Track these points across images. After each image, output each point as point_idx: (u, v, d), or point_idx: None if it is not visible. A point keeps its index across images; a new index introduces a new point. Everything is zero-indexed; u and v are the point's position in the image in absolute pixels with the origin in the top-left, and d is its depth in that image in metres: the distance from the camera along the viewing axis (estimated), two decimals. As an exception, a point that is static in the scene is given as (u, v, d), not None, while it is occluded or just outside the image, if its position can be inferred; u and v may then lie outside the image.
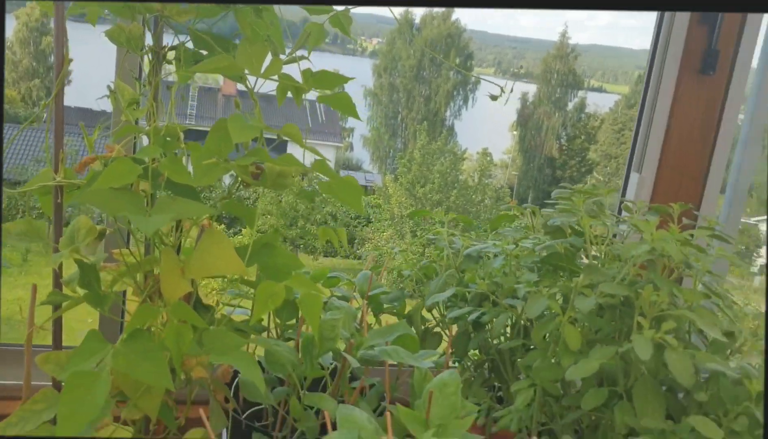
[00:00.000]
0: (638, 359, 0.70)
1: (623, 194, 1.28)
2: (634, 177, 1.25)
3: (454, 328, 1.01)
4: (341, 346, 0.79)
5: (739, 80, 1.23)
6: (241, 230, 7.32)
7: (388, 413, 0.65)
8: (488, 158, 11.96)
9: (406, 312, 1.04)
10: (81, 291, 0.72)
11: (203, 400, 0.81)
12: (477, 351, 1.01)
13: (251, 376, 0.65)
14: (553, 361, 0.78)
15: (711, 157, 1.26)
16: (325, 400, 0.69)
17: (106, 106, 0.92)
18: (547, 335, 0.80)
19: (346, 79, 0.85)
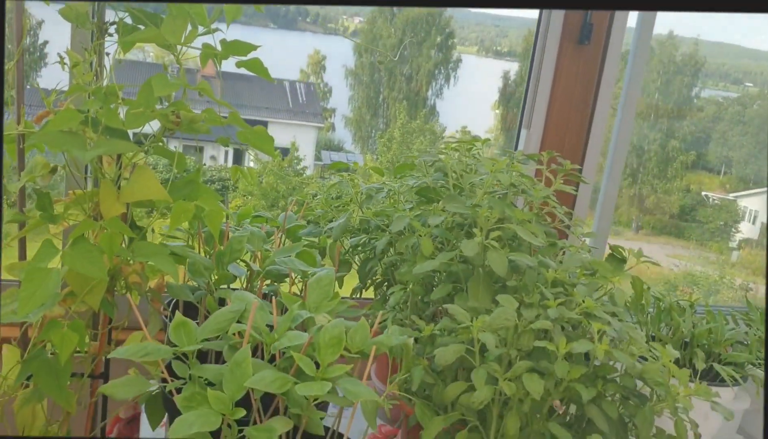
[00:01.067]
0: (474, 261, 0.91)
1: (515, 148, 1.49)
2: (524, 133, 1.46)
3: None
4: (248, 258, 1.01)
5: (613, 49, 1.44)
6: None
7: (274, 298, 0.86)
8: (469, 137, 12.14)
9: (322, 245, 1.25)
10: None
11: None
12: (379, 274, 1.22)
13: (171, 270, 0.86)
14: (415, 270, 0.99)
15: (592, 116, 1.48)
16: (229, 292, 0.90)
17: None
18: (411, 246, 1.01)
19: (254, 47, 1.05)
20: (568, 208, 1.31)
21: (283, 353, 0.78)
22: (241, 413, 0.70)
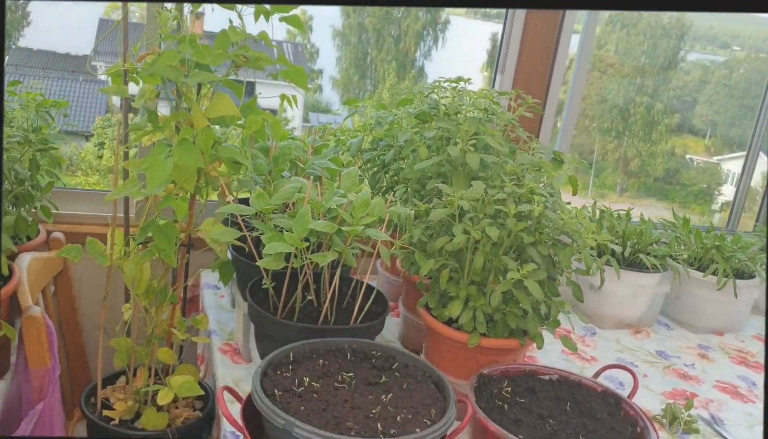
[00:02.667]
0: (456, 161, 1.31)
1: (492, 86, 1.87)
2: (498, 77, 1.85)
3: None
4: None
5: (570, 13, 1.82)
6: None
7: (319, 182, 1.25)
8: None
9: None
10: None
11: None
12: (385, 183, 1.62)
13: (246, 162, 1.25)
14: (415, 167, 1.38)
15: (553, 63, 1.86)
16: (287, 179, 1.29)
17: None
18: (411, 152, 1.40)
19: (295, 6, 1.42)
20: (535, 137, 1.71)
21: (327, 215, 1.18)
22: (305, 244, 1.10)
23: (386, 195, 1.60)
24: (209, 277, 1.77)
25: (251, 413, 1.00)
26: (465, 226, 1.18)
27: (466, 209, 1.19)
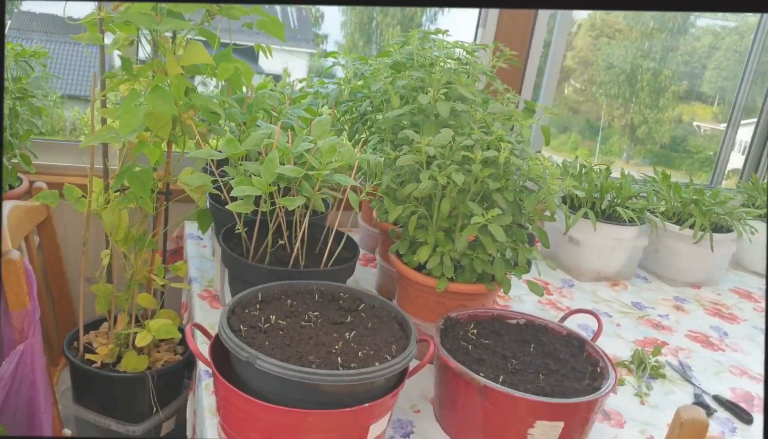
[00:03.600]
0: (427, 109, 1.32)
1: (474, 41, 1.88)
2: (480, 31, 1.85)
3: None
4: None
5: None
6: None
7: (290, 129, 1.27)
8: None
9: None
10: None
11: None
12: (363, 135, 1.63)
13: (218, 111, 1.27)
14: (385, 115, 1.39)
15: (535, 19, 1.86)
16: (259, 127, 1.31)
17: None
18: (385, 101, 1.41)
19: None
20: (515, 92, 1.72)
21: (296, 161, 1.20)
22: (273, 188, 1.12)
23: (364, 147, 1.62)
24: (193, 228, 1.79)
25: (220, 350, 1.03)
26: (432, 172, 1.20)
27: (435, 156, 1.21)
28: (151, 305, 1.40)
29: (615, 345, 1.50)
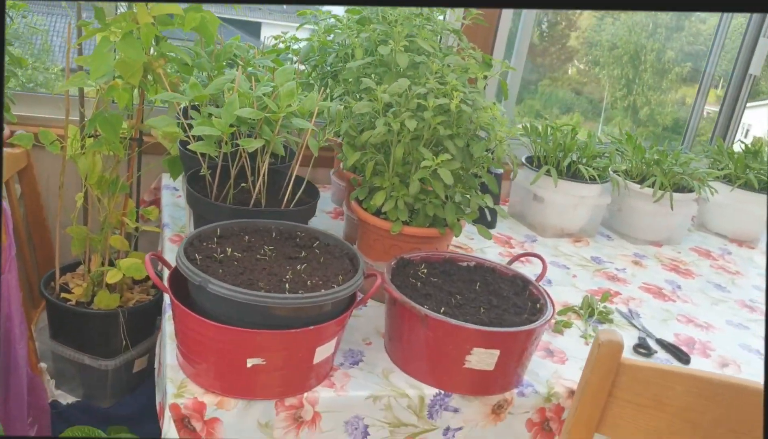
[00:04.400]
0: (388, 60, 1.38)
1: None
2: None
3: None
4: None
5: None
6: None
7: (253, 77, 1.33)
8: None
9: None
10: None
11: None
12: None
13: (187, 60, 1.32)
14: (349, 65, 1.45)
15: None
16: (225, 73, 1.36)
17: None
18: (350, 53, 1.47)
19: None
20: (487, 55, 1.78)
21: (259, 107, 1.26)
22: (232, 129, 1.19)
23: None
24: (170, 179, 1.86)
25: (179, 279, 1.10)
26: (387, 119, 1.26)
27: (391, 104, 1.27)
28: (123, 247, 1.47)
29: (569, 293, 1.57)
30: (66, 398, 1.56)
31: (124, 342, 1.48)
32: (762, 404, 0.92)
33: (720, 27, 2.41)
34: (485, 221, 1.89)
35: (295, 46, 1.73)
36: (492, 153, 1.30)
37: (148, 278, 1.59)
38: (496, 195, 1.53)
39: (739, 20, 2.42)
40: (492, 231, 1.90)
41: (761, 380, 0.95)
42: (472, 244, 1.78)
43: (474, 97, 1.28)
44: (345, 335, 1.25)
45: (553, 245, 1.86)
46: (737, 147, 2.21)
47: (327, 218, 1.81)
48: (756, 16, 2.32)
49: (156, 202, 1.89)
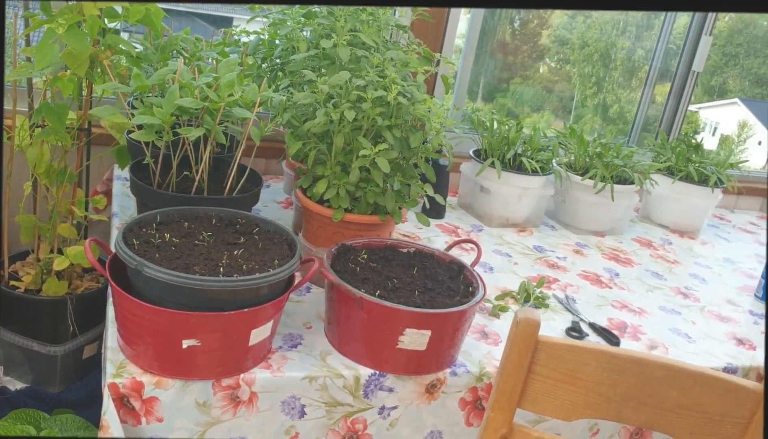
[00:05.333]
0: (330, 54, 1.42)
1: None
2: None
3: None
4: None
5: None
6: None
7: (196, 67, 1.36)
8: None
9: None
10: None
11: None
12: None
13: (132, 51, 1.35)
14: (290, 58, 1.49)
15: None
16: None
17: None
18: (294, 47, 1.51)
19: None
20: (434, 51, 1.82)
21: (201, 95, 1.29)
22: (173, 119, 1.22)
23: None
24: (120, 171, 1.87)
25: (119, 264, 1.13)
26: (328, 110, 1.30)
27: (332, 95, 1.31)
28: (71, 235, 1.49)
29: (508, 279, 1.63)
30: (15, 385, 1.58)
31: (72, 328, 1.50)
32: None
33: (664, 25, 2.49)
34: (433, 210, 1.94)
35: (246, 40, 1.76)
36: (428, 143, 1.35)
37: (98, 267, 1.61)
38: (435, 184, 1.58)
39: (684, 19, 2.51)
40: (440, 221, 1.95)
41: (687, 361, 1.01)
42: (420, 233, 1.83)
43: (412, 90, 1.33)
44: (286, 319, 1.29)
45: (498, 234, 1.92)
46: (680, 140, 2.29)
47: (278, 208, 1.85)
48: (699, 14, 2.40)
49: (109, 192, 1.91)
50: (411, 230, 1.84)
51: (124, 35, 1.76)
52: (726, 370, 1.41)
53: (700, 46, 2.44)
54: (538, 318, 1.00)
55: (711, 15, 2.39)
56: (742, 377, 1.42)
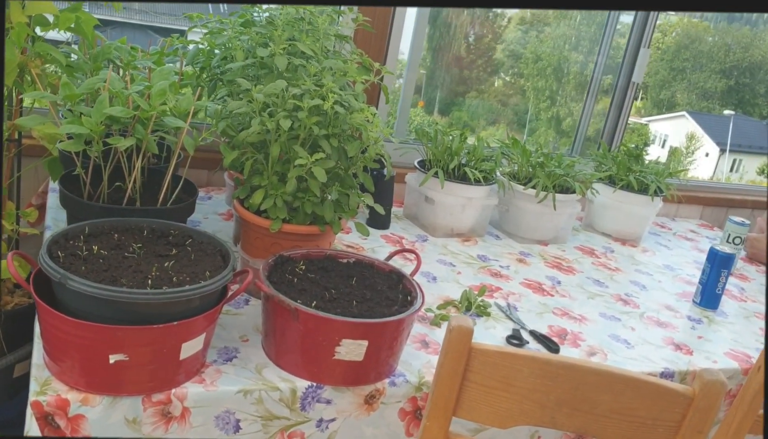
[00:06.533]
0: (267, 62, 1.40)
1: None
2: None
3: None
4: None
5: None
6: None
7: (128, 75, 1.33)
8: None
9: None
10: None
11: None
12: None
13: (62, 60, 1.31)
14: (226, 67, 1.47)
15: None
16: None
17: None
18: (231, 56, 1.49)
19: None
20: (380, 63, 1.82)
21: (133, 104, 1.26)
22: (104, 129, 1.19)
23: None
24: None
25: (43, 278, 1.09)
26: (263, 118, 1.29)
27: (268, 104, 1.30)
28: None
29: (451, 289, 1.63)
30: (-58, 407, 1.51)
31: (0, 346, 1.44)
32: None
33: (604, 38, 2.54)
34: (378, 221, 1.93)
35: (186, 49, 1.74)
36: (365, 153, 1.34)
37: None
38: (378, 194, 1.57)
39: (622, 30, 2.56)
40: (385, 232, 1.95)
41: (625, 366, 1.01)
42: (364, 244, 1.82)
43: (349, 99, 1.32)
44: (222, 332, 1.27)
45: (442, 244, 1.92)
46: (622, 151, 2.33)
47: (219, 219, 1.82)
48: (638, 28, 2.46)
49: (44, 205, 1.85)
50: (356, 240, 1.83)
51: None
52: (663, 375, 1.43)
53: (639, 58, 2.50)
54: (471, 326, 1.00)
55: (649, 28, 2.45)
56: (679, 381, 1.45)
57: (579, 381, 0.99)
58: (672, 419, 1.01)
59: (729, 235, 2.14)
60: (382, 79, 1.60)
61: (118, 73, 1.50)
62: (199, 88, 1.45)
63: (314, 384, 1.17)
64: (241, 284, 1.14)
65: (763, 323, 1.78)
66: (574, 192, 2.03)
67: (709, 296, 1.80)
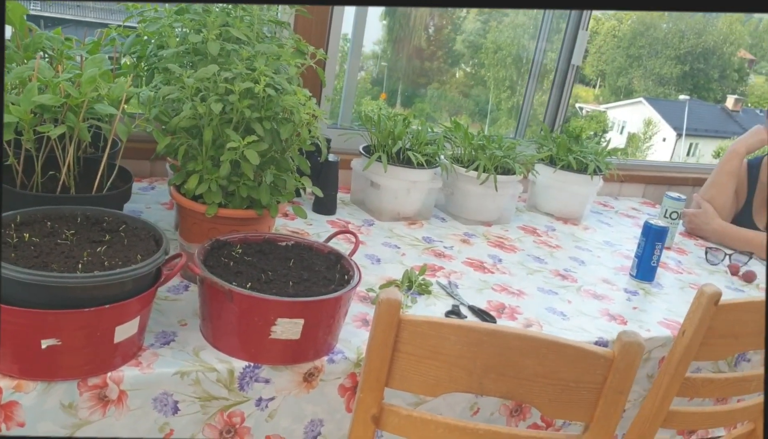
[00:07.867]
0: (200, 48, 1.41)
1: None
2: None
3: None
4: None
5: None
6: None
7: (59, 65, 1.32)
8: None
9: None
10: None
11: None
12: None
13: None
14: (159, 53, 1.47)
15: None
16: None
17: None
18: (165, 44, 1.49)
19: None
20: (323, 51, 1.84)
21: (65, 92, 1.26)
22: (32, 117, 1.18)
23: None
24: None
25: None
26: (195, 103, 1.29)
27: (200, 89, 1.30)
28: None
29: (394, 269, 1.66)
30: None
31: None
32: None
33: (544, 21, 2.60)
34: (324, 206, 1.95)
35: (123, 40, 1.73)
36: (299, 137, 1.36)
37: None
38: (320, 179, 1.59)
39: (558, 13, 2.62)
40: (332, 217, 1.97)
41: (559, 336, 1.05)
42: (310, 229, 1.84)
43: (281, 82, 1.34)
44: (160, 317, 1.28)
45: (388, 227, 1.95)
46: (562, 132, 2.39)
47: (162, 209, 1.82)
48: (575, 11, 2.51)
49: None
50: (301, 226, 1.85)
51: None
52: (597, 344, 1.48)
53: (578, 40, 2.55)
54: (400, 298, 1.02)
55: (587, 11, 2.50)
56: (613, 349, 1.50)
57: (503, 347, 1.02)
58: (594, 380, 1.05)
59: (666, 210, 2.21)
60: (322, 65, 1.62)
61: (51, 64, 1.49)
62: (132, 75, 1.45)
63: (252, 364, 1.18)
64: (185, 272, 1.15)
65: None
66: (515, 173, 2.07)
67: (644, 268, 1.86)
